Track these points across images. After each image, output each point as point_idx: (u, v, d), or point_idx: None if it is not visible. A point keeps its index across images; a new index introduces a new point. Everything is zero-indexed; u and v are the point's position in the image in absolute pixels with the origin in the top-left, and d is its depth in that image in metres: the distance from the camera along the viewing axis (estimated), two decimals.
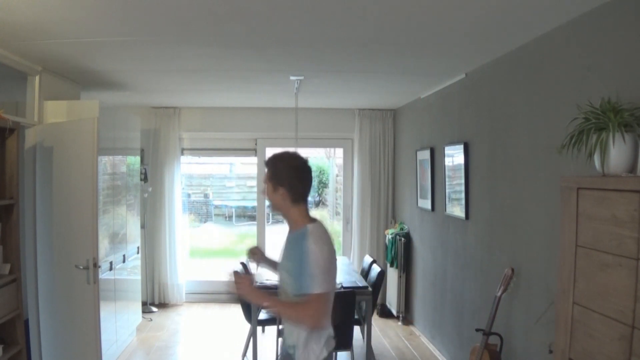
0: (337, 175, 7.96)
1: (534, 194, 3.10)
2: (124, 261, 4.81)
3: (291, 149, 2.35)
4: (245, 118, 6.62)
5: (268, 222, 7.08)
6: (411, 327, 5.72)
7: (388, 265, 6.08)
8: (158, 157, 6.48)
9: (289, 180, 2.18)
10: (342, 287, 4.16)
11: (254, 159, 6.95)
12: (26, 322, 3.62)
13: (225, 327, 5.75)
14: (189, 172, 8.70)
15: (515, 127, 3.35)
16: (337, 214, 7.28)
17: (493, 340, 3.34)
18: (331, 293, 2.16)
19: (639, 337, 1.64)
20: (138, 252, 5.37)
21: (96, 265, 3.60)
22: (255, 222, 7.05)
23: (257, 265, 2.45)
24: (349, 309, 3.94)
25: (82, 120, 3.81)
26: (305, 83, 4.74)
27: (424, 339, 5.28)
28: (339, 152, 7.23)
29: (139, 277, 5.43)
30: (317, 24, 2.98)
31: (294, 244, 2.18)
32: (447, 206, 4.58)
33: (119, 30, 3.14)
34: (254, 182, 7.69)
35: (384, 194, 6.54)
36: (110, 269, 4.42)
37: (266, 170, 2.25)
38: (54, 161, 3.88)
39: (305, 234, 2.13)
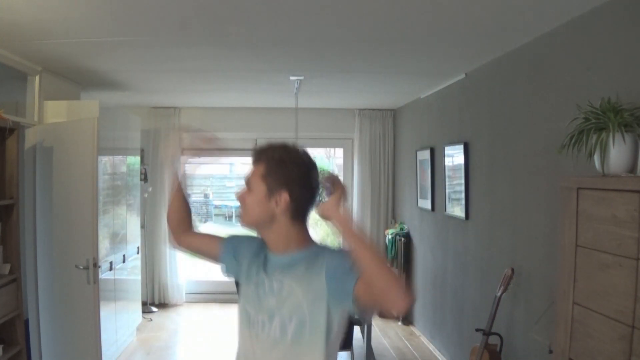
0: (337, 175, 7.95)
1: (534, 194, 3.09)
2: (124, 261, 4.81)
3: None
4: (245, 118, 6.61)
5: None
6: (411, 327, 5.71)
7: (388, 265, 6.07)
8: (158, 157, 6.47)
9: (296, 184, 1.46)
10: None
11: None
12: (26, 322, 3.62)
13: (225, 327, 5.74)
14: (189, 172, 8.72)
15: (515, 127, 3.35)
16: None
17: (493, 340, 3.34)
18: None
19: (639, 337, 1.64)
20: (138, 252, 5.37)
21: (96, 265, 3.60)
22: None
23: None
24: None
25: (82, 120, 3.81)
26: (305, 83, 4.74)
27: (424, 339, 5.28)
28: (339, 152, 7.22)
29: (139, 277, 5.43)
30: (317, 24, 2.98)
31: (308, 268, 1.45)
32: (447, 206, 4.58)
33: (119, 31, 3.14)
34: None
35: (384, 194, 6.53)
36: (110, 269, 4.41)
37: (254, 163, 1.50)
38: (54, 161, 3.88)
39: (319, 249, 1.51)
